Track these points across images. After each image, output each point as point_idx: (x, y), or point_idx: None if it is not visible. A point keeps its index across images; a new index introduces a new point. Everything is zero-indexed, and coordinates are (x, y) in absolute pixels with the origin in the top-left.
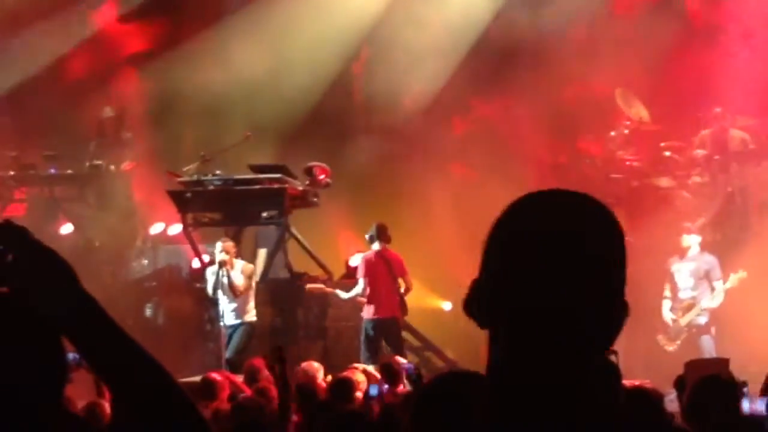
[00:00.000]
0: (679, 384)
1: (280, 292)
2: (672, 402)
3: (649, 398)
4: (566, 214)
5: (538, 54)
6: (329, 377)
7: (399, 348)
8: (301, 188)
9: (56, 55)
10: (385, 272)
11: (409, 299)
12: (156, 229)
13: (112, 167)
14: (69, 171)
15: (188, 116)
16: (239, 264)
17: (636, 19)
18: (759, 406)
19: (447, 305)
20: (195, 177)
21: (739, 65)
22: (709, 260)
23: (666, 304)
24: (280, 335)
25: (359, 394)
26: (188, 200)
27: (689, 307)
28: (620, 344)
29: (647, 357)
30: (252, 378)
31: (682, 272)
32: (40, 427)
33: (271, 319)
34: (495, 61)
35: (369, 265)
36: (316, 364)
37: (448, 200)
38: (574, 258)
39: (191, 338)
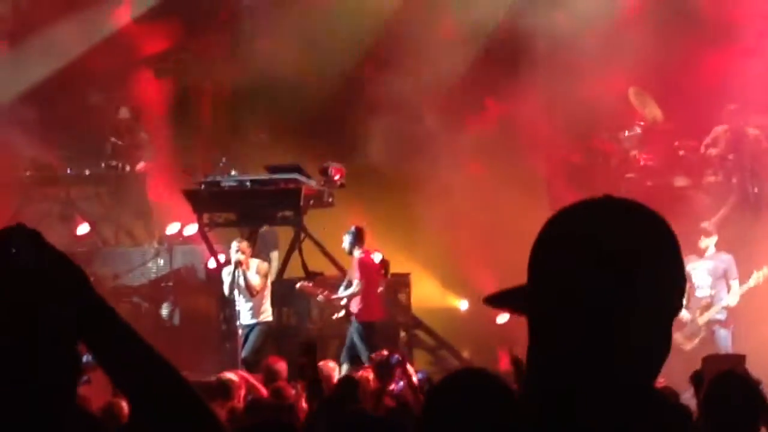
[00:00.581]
0: (697, 379)
1: (296, 292)
2: (690, 400)
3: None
4: (611, 221)
5: (553, 53)
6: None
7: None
8: (316, 188)
9: (72, 55)
10: (376, 274)
11: (426, 298)
12: (172, 229)
13: (128, 168)
14: (85, 171)
15: (204, 116)
16: (254, 264)
17: (650, 17)
18: None
19: (463, 304)
20: (211, 177)
21: (754, 63)
22: (726, 259)
23: None
24: (297, 335)
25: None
26: (204, 200)
27: (707, 306)
28: None
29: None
30: (270, 378)
31: (699, 271)
32: (55, 427)
33: (287, 319)
34: (510, 60)
35: (365, 266)
36: (331, 364)
37: (464, 199)
38: (614, 265)
39: (207, 338)
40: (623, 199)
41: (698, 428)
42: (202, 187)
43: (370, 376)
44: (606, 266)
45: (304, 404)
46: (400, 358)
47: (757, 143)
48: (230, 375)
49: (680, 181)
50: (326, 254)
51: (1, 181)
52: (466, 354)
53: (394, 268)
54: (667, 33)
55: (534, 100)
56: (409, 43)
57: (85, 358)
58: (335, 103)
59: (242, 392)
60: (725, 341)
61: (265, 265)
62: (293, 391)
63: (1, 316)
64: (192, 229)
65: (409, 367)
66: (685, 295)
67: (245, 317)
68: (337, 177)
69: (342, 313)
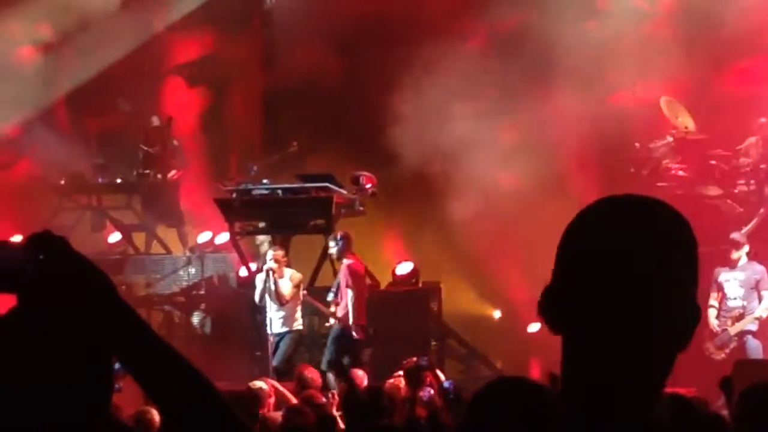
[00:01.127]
0: (726, 384)
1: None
2: (721, 408)
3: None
4: (637, 222)
5: (585, 62)
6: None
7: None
8: (348, 197)
9: (106, 63)
10: (364, 281)
11: (458, 307)
12: (203, 237)
13: (160, 176)
14: (117, 180)
15: (237, 124)
16: (288, 273)
17: (682, 27)
18: None
19: (496, 313)
20: (242, 186)
21: None
22: (759, 270)
23: (712, 313)
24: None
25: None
26: (235, 209)
27: (739, 317)
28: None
29: (694, 365)
30: (302, 385)
31: (732, 282)
32: None
33: (317, 328)
34: (541, 69)
35: (355, 273)
36: (360, 372)
37: (496, 209)
38: (643, 266)
39: (238, 346)
40: (649, 200)
41: None
42: (234, 195)
43: (401, 383)
44: (658, 275)
45: (334, 412)
46: (429, 362)
47: None
48: (260, 383)
49: (712, 191)
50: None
51: (34, 189)
52: (497, 363)
53: (426, 277)
54: (699, 43)
55: (565, 109)
56: (442, 52)
57: (116, 366)
58: (370, 111)
59: (272, 400)
60: (756, 352)
61: (298, 275)
62: (324, 399)
63: (28, 324)
64: (223, 237)
65: (438, 372)
66: (717, 305)
67: (276, 325)
68: (368, 186)
69: (331, 320)
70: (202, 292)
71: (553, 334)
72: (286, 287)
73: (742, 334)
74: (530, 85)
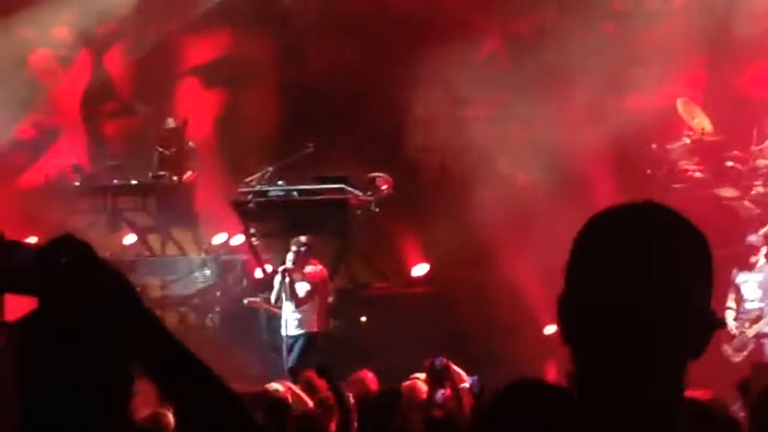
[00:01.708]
0: (743, 387)
1: (343, 303)
2: (739, 411)
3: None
4: (648, 233)
5: (602, 63)
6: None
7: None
8: (363, 198)
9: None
10: (325, 286)
11: (475, 308)
12: (219, 239)
13: (175, 178)
14: (132, 181)
15: (252, 126)
16: (310, 269)
17: (698, 28)
18: None
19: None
20: (258, 187)
21: None
22: None
23: (730, 314)
24: (343, 345)
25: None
26: (251, 211)
27: (757, 319)
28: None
29: (712, 367)
30: (309, 389)
31: (750, 284)
32: None
33: (333, 329)
34: (558, 69)
35: (316, 278)
36: (370, 375)
37: (512, 209)
38: (654, 276)
39: (253, 348)
40: (658, 207)
41: None
42: (249, 197)
43: (418, 385)
44: (671, 284)
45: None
46: (446, 363)
47: None
48: (276, 385)
49: (728, 192)
50: (373, 265)
51: (49, 191)
52: (514, 365)
53: (442, 278)
54: (716, 44)
55: (580, 110)
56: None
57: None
58: (387, 111)
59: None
60: None
61: (321, 273)
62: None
63: (50, 326)
64: (239, 239)
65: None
66: (734, 307)
67: (292, 327)
68: (384, 187)
69: (312, 323)
70: (217, 293)
71: (565, 343)
72: (301, 288)
73: (760, 336)
74: (547, 86)
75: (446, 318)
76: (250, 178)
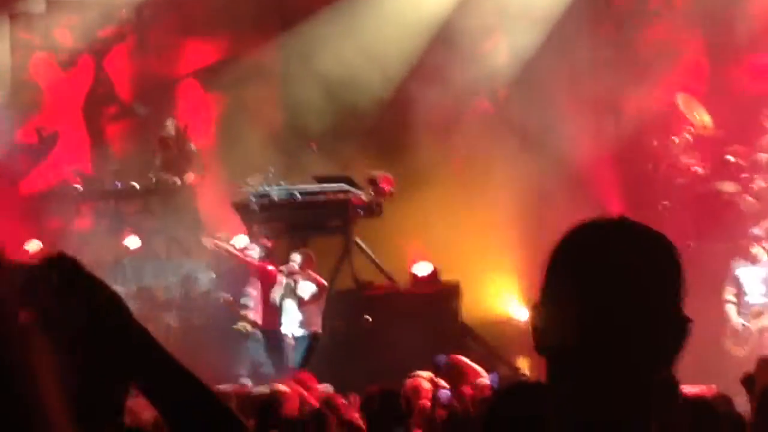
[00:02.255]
0: (748, 382)
1: (347, 303)
2: (743, 406)
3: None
4: (620, 244)
5: (601, 58)
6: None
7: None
8: (365, 198)
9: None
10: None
11: (479, 308)
12: (222, 240)
13: (177, 180)
14: (134, 184)
15: (255, 128)
16: (312, 276)
17: (698, 23)
18: None
19: (518, 315)
20: (260, 188)
21: None
22: None
23: (732, 309)
24: (346, 345)
25: (425, 402)
26: (253, 212)
27: (759, 313)
28: (686, 350)
29: (713, 362)
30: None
31: (752, 278)
32: None
33: (336, 330)
34: (555, 68)
35: (266, 275)
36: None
37: (515, 206)
38: (628, 287)
39: (258, 349)
40: (632, 223)
41: None
42: (252, 198)
43: (423, 384)
44: (643, 297)
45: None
46: (452, 360)
47: None
48: (282, 386)
49: (730, 187)
50: (376, 264)
51: (51, 195)
52: (518, 365)
53: (446, 277)
54: (716, 39)
55: (586, 106)
56: (458, 51)
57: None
58: (387, 112)
59: (295, 403)
60: None
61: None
62: (343, 401)
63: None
64: (242, 240)
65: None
66: (734, 300)
67: (295, 327)
68: (386, 187)
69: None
70: (221, 295)
71: (540, 354)
72: (305, 290)
73: (763, 330)
74: (545, 82)
75: (450, 317)
76: (251, 179)
